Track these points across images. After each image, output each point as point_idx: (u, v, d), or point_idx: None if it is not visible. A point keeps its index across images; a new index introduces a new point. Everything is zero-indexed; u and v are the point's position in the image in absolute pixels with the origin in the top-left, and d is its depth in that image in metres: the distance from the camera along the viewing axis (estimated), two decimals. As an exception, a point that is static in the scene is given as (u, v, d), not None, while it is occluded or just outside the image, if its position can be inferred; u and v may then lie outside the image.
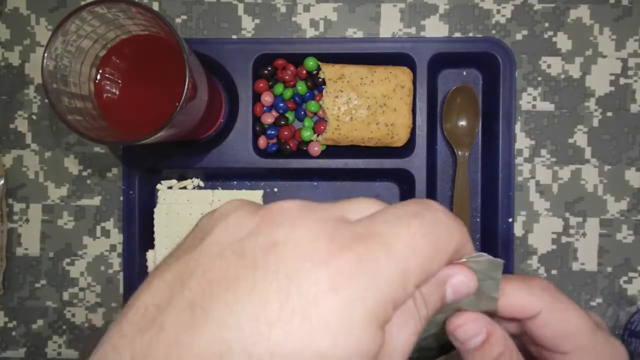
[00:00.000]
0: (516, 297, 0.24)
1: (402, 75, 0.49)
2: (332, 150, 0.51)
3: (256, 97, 0.50)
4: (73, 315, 0.52)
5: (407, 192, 0.50)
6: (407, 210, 0.19)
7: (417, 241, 0.18)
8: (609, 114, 0.51)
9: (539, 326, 0.24)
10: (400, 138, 0.49)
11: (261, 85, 0.50)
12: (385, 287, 0.17)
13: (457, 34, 0.51)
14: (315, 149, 0.50)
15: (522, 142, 0.51)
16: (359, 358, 0.16)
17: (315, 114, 0.51)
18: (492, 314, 0.24)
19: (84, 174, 0.52)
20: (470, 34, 0.51)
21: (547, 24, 0.51)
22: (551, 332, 0.24)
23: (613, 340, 0.25)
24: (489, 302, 0.23)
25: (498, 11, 0.51)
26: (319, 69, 0.49)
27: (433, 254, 0.19)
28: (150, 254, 0.50)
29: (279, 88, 0.50)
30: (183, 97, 0.35)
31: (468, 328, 0.23)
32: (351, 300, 0.16)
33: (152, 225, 0.50)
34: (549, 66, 0.51)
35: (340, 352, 0.16)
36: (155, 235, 0.49)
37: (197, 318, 0.16)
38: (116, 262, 0.52)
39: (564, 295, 0.24)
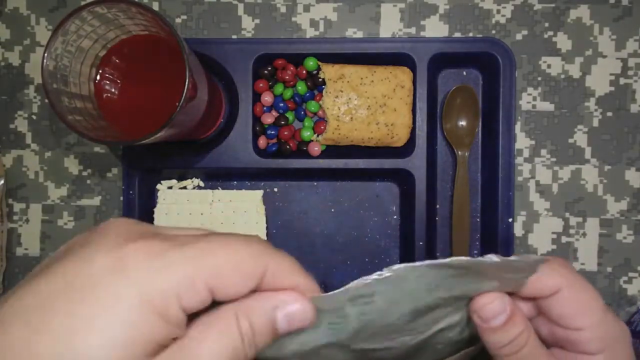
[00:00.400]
0: (540, 275, 0.24)
1: (402, 75, 0.49)
2: (332, 150, 0.50)
3: (256, 97, 0.50)
4: (73, 315, 0.52)
5: (407, 192, 0.50)
6: (221, 233, 0.20)
7: (214, 248, 0.19)
8: (609, 114, 0.51)
9: (558, 303, 0.25)
10: (400, 138, 0.49)
11: (261, 85, 0.50)
12: (168, 278, 0.18)
13: (457, 34, 0.51)
14: (315, 149, 0.50)
15: (522, 142, 0.51)
16: (128, 342, 0.17)
17: (315, 114, 0.51)
18: (510, 294, 0.25)
19: (84, 174, 0.52)
20: (470, 34, 0.51)
21: (547, 24, 0.51)
22: (570, 308, 0.25)
23: (620, 320, 0.26)
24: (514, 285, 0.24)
25: (498, 11, 0.51)
26: (319, 69, 0.49)
27: (234, 264, 0.19)
28: (150, 254, 0.50)
29: (279, 88, 0.50)
30: (183, 97, 0.35)
31: (493, 306, 0.24)
32: (128, 284, 0.17)
33: (152, 225, 0.50)
34: (549, 66, 0.51)
35: (102, 335, 0.17)
36: (155, 235, 0.49)
37: None
38: (116, 262, 0.52)
39: (579, 274, 0.25)
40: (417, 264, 0.22)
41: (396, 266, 0.22)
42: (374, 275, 0.22)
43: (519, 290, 0.25)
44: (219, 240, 0.20)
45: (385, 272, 0.22)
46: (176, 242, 0.19)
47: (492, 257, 0.23)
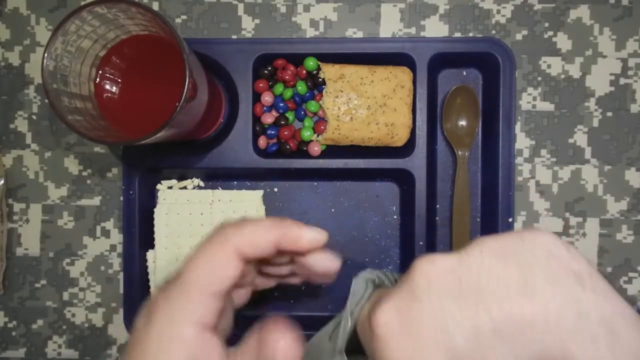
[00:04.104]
0: None
1: (402, 75, 0.49)
2: (332, 150, 0.50)
3: (256, 97, 0.50)
4: (73, 315, 0.52)
5: (407, 192, 0.50)
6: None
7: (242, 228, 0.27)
8: (609, 114, 0.51)
9: None
10: (400, 138, 0.49)
11: (261, 85, 0.50)
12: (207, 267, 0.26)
13: (457, 34, 0.51)
14: (315, 149, 0.50)
15: (522, 142, 0.51)
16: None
17: (315, 114, 0.51)
18: None
19: (84, 174, 0.52)
20: (470, 34, 0.51)
21: (547, 24, 0.51)
22: None
23: None
24: None
25: (498, 11, 0.51)
26: (319, 69, 0.49)
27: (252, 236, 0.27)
28: (150, 254, 0.50)
29: (279, 88, 0.50)
30: (183, 97, 0.35)
31: None
32: (176, 310, 0.25)
33: (152, 225, 0.50)
34: (549, 66, 0.51)
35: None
36: (155, 236, 0.49)
37: None
38: (116, 262, 0.52)
39: None
40: None
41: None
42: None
43: None
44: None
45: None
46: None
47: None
